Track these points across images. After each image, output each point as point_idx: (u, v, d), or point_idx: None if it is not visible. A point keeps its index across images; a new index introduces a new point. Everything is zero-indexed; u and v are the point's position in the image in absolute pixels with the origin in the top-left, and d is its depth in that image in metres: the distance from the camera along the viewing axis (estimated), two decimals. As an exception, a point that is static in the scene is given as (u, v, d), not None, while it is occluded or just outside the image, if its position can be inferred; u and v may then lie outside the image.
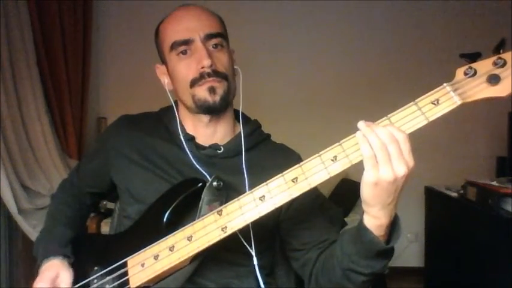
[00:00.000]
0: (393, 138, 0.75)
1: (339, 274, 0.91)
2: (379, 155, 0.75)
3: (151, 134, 1.11)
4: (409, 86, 2.32)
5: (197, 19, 1.03)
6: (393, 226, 0.84)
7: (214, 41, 1.03)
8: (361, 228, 0.84)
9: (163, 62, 1.10)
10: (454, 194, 2.49)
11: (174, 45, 1.02)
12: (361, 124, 0.77)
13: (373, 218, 0.82)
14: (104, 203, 1.42)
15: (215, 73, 1.00)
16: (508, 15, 2.67)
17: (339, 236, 0.95)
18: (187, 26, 1.02)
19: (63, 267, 1.04)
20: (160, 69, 1.11)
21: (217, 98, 1.01)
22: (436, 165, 3.21)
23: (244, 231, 0.95)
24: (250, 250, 0.99)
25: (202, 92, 1.00)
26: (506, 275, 1.94)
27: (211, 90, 1.00)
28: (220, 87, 1.01)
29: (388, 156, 0.74)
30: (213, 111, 1.03)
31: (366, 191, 0.78)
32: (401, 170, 0.75)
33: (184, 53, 1.02)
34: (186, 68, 1.02)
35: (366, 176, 0.77)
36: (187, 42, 1.01)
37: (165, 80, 1.10)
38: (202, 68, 0.99)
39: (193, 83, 1.01)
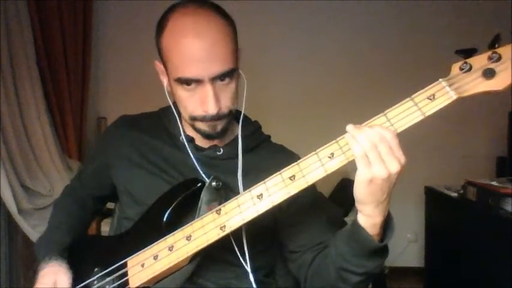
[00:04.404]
0: (382, 137, 0.76)
1: (333, 274, 0.92)
2: (370, 155, 0.76)
3: (152, 134, 1.10)
4: (406, 83, 2.32)
5: (208, 53, 0.91)
6: (387, 225, 0.85)
7: (223, 78, 0.94)
8: (356, 226, 0.84)
9: (164, 64, 1.02)
10: (454, 194, 2.49)
11: (179, 81, 0.94)
12: (349, 127, 0.78)
13: (368, 216, 0.83)
14: (104, 203, 1.42)
15: (218, 117, 0.96)
16: (504, 13, 2.67)
17: (333, 237, 0.95)
18: (196, 63, 0.91)
19: (61, 271, 1.04)
20: (160, 68, 1.05)
21: (218, 130, 0.99)
22: (436, 165, 3.21)
23: (237, 234, 0.95)
24: (243, 261, 0.99)
25: (203, 127, 0.98)
26: (506, 275, 1.94)
27: (213, 127, 0.98)
28: (222, 124, 0.99)
29: (379, 154, 0.76)
30: (212, 138, 1.03)
31: (360, 189, 0.79)
32: (394, 167, 0.76)
33: (190, 87, 0.95)
34: (190, 103, 0.96)
35: (360, 174, 0.78)
36: (194, 81, 0.94)
37: (165, 81, 1.04)
38: (207, 111, 0.95)
39: (195, 119, 0.98)
